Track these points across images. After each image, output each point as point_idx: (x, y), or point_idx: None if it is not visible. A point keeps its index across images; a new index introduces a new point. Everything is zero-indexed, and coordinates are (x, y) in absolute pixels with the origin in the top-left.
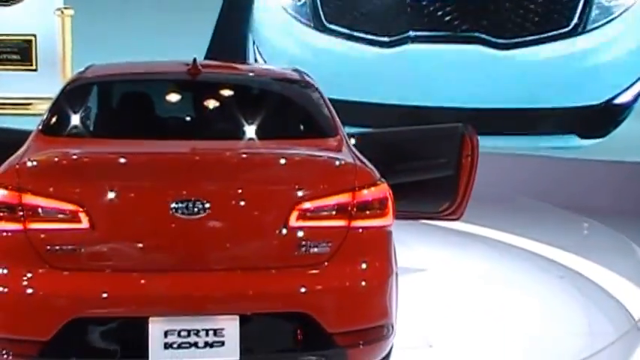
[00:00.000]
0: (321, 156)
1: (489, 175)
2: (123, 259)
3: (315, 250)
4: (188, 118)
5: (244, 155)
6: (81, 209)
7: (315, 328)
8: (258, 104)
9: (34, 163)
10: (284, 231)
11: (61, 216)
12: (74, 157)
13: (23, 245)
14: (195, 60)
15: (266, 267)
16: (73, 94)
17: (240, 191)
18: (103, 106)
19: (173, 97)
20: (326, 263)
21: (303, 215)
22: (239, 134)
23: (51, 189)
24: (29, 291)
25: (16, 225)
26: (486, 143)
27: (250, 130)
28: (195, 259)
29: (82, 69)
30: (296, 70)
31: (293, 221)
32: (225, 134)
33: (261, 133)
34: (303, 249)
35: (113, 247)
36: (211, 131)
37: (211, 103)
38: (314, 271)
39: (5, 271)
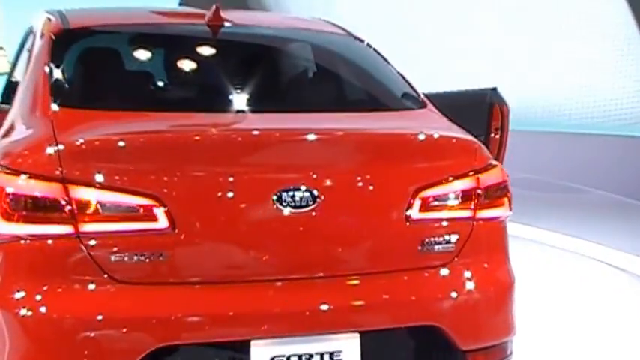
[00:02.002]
0: (436, 132)
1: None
2: (214, 267)
3: (440, 247)
4: (240, 86)
5: (351, 132)
6: (157, 204)
7: (446, 345)
8: (322, 66)
9: (82, 143)
10: (405, 225)
11: (129, 214)
12: (139, 135)
13: (76, 255)
14: (217, 9)
15: (387, 271)
16: (78, 52)
17: (354, 177)
18: (123, 69)
19: (213, 59)
20: (450, 263)
21: (426, 205)
22: (311, 105)
23: (112, 178)
24: (89, 317)
25: (63, 228)
26: None
27: (324, 100)
28: (306, 264)
29: (52, 15)
30: (331, 23)
31: (415, 212)
32: (293, 105)
33: (339, 104)
34: (427, 247)
35: (201, 253)
36: (274, 102)
37: (266, 66)
38: (440, 275)
39: (51, 291)
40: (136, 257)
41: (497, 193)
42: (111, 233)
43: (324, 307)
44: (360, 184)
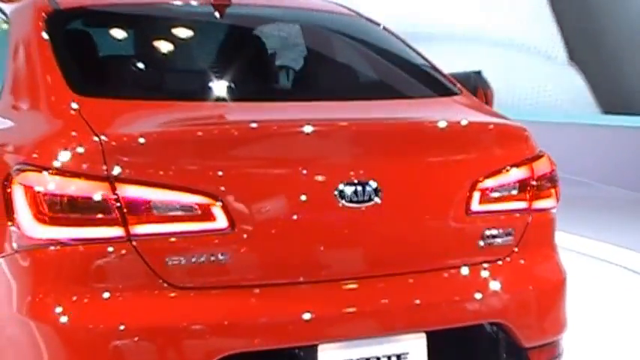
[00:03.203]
0: (490, 119)
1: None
2: (276, 268)
3: (500, 241)
4: (272, 72)
5: (409, 122)
6: (214, 202)
7: (510, 342)
8: (352, 51)
9: (128, 137)
10: (466, 218)
11: (184, 213)
12: (192, 128)
13: (127, 259)
14: None
15: (450, 267)
16: (83, 36)
17: (414, 169)
18: (141, 54)
19: (236, 43)
20: (510, 257)
21: (486, 197)
22: (350, 93)
23: (164, 175)
24: (144, 327)
25: (112, 230)
26: None
27: (363, 87)
28: (370, 262)
29: None
30: (342, 6)
31: (475, 205)
32: (334, 93)
33: (379, 91)
34: (488, 241)
35: (262, 253)
36: (312, 90)
37: (296, 51)
38: (502, 269)
39: (99, 300)
40: (193, 260)
41: (548, 183)
42: (165, 235)
43: (390, 307)
44: (421, 175)
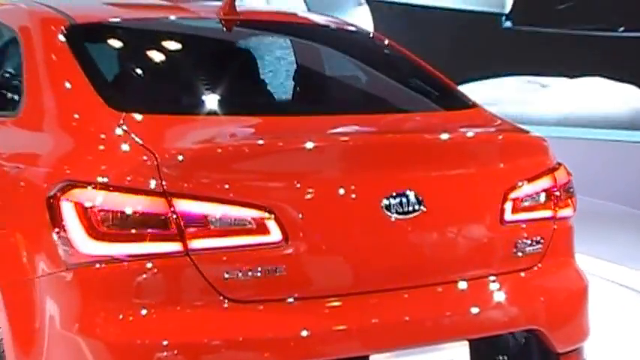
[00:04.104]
0: (515, 131)
1: None
2: (329, 280)
3: (531, 249)
4: (308, 87)
5: (443, 135)
6: (268, 215)
7: (544, 348)
8: (370, 67)
9: (182, 152)
10: (501, 227)
11: (240, 227)
12: (244, 142)
13: (186, 274)
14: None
15: (489, 275)
16: (108, 51)
17: (452, 181)
18: (174, 69)
19: (265, 58)
20: (539, 265)
21: (517, 206)
22: (374, 106)
23: (219, 189)
24: (205, 342)
25: (170, 245)
26: None
27: (385, 101)
28: (414, 272)
29: (36, 9)
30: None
31: (508, 214)
32: (368, 107)
33: (400, 105)
34: (520, 249)
35: (316, 265)
36: (346, 104)
37: (321, 66)
38: (534, 277)
39: (159, 316)
40: (250, 274)
41: (567, 192)
42: (222, 249)
43: (436, 315)
44: (459, 187)
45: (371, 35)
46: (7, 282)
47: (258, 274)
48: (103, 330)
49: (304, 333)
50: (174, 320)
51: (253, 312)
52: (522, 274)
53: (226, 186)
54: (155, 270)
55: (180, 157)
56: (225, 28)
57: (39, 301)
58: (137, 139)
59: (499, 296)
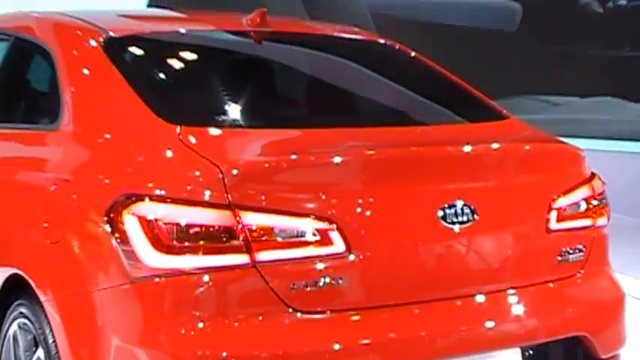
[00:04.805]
0: (552, 141)
1: None
2: (390, 289)
3: (573, 257)
4: (354, 98)
5: (490, 147)
6: (331, 227)
7: (589, 354)
8: (407, 79)
9: (247, 166)
10: (547, 236)
11: (304, 239)
12: (307, 155)
13: (253, 286)
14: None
15: (537, 283)
16: (151, 64)
17: (504, 190)
18: (222, 82)
19: (312, 69)
20: (581, 272)
21: (561, 215)
22: (415, 119)
23: (284, 201)
24: (275, 354)
25: (238, 257)
26: None
27: (428, 113)
28: (470, 280)
29: (67, 22)
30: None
31: (553, 223)
32: (411, 118)
33: (443, 117)
34: (564, 257)
35: (377, 275)
36: (391, 115)
37: (361, 77)
38: (577, 284)
39: (228, 328)
40: (315, 284)
41: (602, 202)
42: (287, 260)
43: (490, 324)
44: (508, 197)
45: (398, 47)
46: (63, 295)
47: (323, 284)
48: (170, 343)
49: (368, 343)
50: (242, 332)
51: (318, 322)
52: (566, 281)
53: (290, 198)
54: (222, 282)
55: (246, 170)
56: (263, 40)
57: (99, 314)
58: (198, 152)
59: (548, 303)
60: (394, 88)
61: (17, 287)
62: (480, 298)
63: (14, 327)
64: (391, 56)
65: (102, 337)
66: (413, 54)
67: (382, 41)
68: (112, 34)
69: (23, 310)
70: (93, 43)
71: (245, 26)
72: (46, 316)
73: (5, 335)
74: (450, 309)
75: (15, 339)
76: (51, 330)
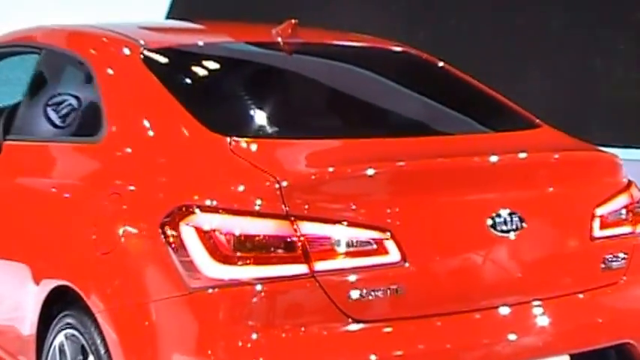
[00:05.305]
0: (591, 149)
1: None
2: (445, 297)
3: (615, 264)
4: (392, 108)
5: (534, 155)
6: (386, 236)
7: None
8: (439, 88)
9: (303, 176)
10: (591, 244)
11: (361, 248)
12: (358, 166)
13: (312, 295)
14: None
15: (583, 290)
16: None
17: (547, 199)
18: (267, 94)
19: (349, 79)
20: (624, 279)
21: (604, 223)
22: (458, 128)
23: (340, 212)
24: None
25: (297, 267)
26: None
27: (464, 122)
28: (520, 288)
29: (103, 35)
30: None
31: (597, 231)
32: (452, 128)
33: (481, 127)
34: (607, 264)
35: (432, 284)
36: (430, 125)
37: (398, 87)
38: (621, 291)
39: (288, 338)
40: (372, 294)
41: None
42: (345, 270)
43: (541, 331)
44: (554, 205)
45: (425, 57)
46: (117, 306)
47: (380, 293)
48: (228, 353)
49: (425, 351)
50: (301, 342)
51: (376, 331)
52: (610, 288)
53: (346, 207)
54: (281, 292)
55: (302, 180)
56: (299, 52)
57: (155, 324)
58: (252, 163)
59: (594, 311)
60: (429, 97)
61: (59, 298)
62: (531, 306)
63: (60, 338)
64: (421, 66)
65: (158, 347)
66: (441, 64)
67: (412, 51)
68: (149, 46)
69: (70, 320)
70: (132, 55)
71: (276, 37)
72: (96, 327)
73: (51, 346)
74: (504, 316)
75: (61, 350)
76: (103, 340)
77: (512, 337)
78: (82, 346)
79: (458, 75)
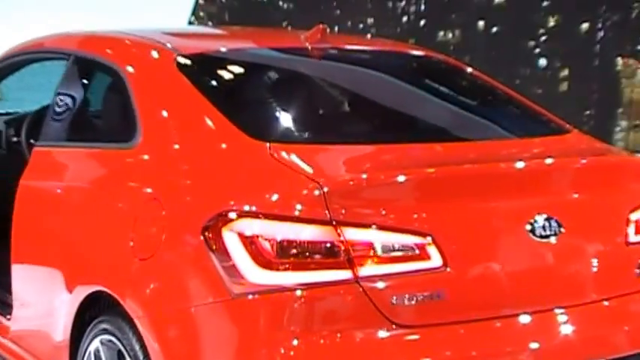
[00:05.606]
0: (622, 154)
1: None
2: (485, 303)
3: None
4: (431, 113)
5: (571, 160)
6: (428, 241)
7: None
8: (472, 94)
9: (346, 182)
10: (627, 249)
11: (404, 253)
12: (404, 171)
13: (356, 301)
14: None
15: (618, 295)
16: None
17: (583, 204)
18: (303, 99)
19: (387, 84)
20: None
21: (639, 228)
22: (494, 133)
23: (383, 217)
24: None
25: (341, 273)
26: None
27: (500, 127)
28: (559, 293)
29: (136, 42)
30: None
31: (632, 236)
32: (479, 134)
33: (516, 132)
34: None
35: (473, 289)
36: (468, 130)
37: (435, 93)
38: None
39: (332, 344)
40: (415, 299)
41: None
42: (388, 275)
43: (579, 336)
44: (589, 209)
45: (455, 63)
46: (157, 312)
47: (422, 298)
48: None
49: (468, 356)
50: (345, 348)
51: (420, 337)
52: None
53: (388, 212)
54: (325, 298)
55: (345, 186)
56: (331, 57)
57: (196, 329)
58: (294, 168)
59: (631, 315)
60: (460, 103)
61: (91, 304)
62: (572, 311)
63: (96, 344)
64: (452, 72)
65: (199, 352)
66: (470, 69)
67: (441, 57)
68: (182, 52)
69: (106, 326)
70: (165, 61)
71: (305, 43)
72: (134, 332)
73: (85, 351)
74: (545, 321)
75: (97, 356)
76: (142, 347)
77: (553, 341)
78: (119, 352)
79: (487, 80)
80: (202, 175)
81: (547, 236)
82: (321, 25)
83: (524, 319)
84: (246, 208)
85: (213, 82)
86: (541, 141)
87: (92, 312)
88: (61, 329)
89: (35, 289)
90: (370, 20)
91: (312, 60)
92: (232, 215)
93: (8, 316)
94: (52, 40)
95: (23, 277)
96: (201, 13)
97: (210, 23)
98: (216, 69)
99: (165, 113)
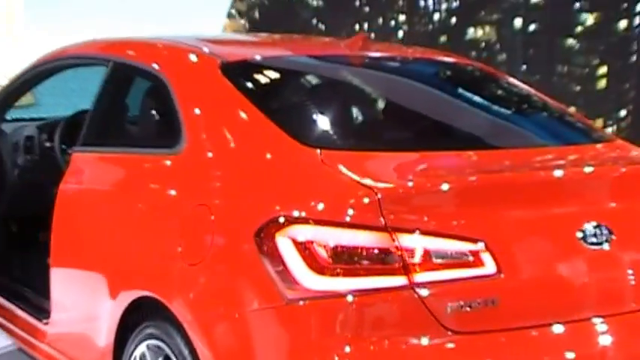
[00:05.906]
0: None
1: None
2: (539, 309)
3: None
4: (471, 120)
5: (617, 168)
6: (482, 248)
7: None
8: (510, 101)
9: (401, 189)
10: None
11: (459, 260)
12: (458, 177)
13: (412, 307)
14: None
15: None
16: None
17: (631, 211)
18: (352, 106)
19: (424, 91)
20: None
21: None
22: (538, 139)
23: (438, 223)
24: None
25: (396, 279)
26: None
27: (540, 135)
28: (610, 300)
29: (180, 50)
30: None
31: None
32: (513, 142)
33: (560, 140)
34: None
35: (526, 296)
36: (509, 137)
37: (472, 100)
38: None
39: (388, 351)
40: (469, 306)
41: None
42: (443, 282)
43: (627, 344)
44: (637, 216)
45: (493, 72)
46: (207, 317)
47: (476, 305)
48: None
49: None
50: (400, 355)
51: (474, 343)
52: None
53: (442, 219)
54: (379, 304)
55: (400, 192)
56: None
57: (248, 335)
58: (346, 175)
59: None
60: (503, 111)
61: (135, 309)
62: (623, 318)
63: (142, 348)
64: (492, 80)
65: (251, 357)
66: (510, 78)
67: (479, 65)
68: (225, 58)
69: (152, 331)
70: (210, 68)
71: (347, 50)
72: (182, 337)
73: (131, 356)
74: (596, 328)
75: None
76: (191, 352)
77: (605, 348)
78: (166, 357)
79: (527, 89)
80: (252, 182)
81: (599, 243)
82: (362, 33)
83: (576, 326)
84: (301, 213)
85: (260, 89)
86: (585, 148)
87: (135, 317)
88: (104, 334)
89: (76, 294)
90: (401, 18)
91: (355, 68)
92: (286, 221)
93: (45, 321)
94: (88, 47)
95: (64, 281)
96: (233, 11)
97: (241, 22)
98: (261, 76)
99: (211, 119)
